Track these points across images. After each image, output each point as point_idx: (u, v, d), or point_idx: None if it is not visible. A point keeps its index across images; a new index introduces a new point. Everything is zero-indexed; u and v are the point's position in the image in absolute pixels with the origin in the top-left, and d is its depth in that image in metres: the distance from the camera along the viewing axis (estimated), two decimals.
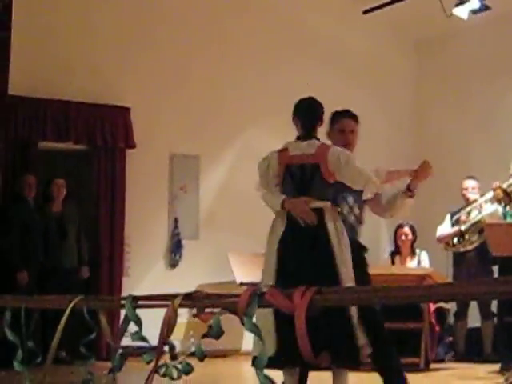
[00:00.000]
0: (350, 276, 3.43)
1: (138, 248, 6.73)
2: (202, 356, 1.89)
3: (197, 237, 7.03)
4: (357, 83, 7.47)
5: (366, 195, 3.67)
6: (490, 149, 7.27)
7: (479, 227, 5.91)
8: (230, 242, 6.82)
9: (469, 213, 6.10)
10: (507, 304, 5.23)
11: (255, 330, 1.80)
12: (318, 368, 3.25)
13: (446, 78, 8.19)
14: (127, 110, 6.65)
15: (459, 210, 6.27)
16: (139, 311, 2.31)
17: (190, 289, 6.70)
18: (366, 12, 7.14)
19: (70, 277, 6.18)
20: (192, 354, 2.06)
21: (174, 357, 3.11)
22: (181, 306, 1.98)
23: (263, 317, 3.07)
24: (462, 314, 6.27)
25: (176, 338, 5.59)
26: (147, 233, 6.81)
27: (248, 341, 6.55)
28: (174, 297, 1.94)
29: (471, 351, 6.20)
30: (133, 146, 6.65)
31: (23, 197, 6.06)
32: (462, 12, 6.58)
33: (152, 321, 2.50)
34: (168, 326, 1.94)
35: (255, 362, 1.88)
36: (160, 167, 6.91)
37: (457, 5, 6.47)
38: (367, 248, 3.75)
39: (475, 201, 6.16)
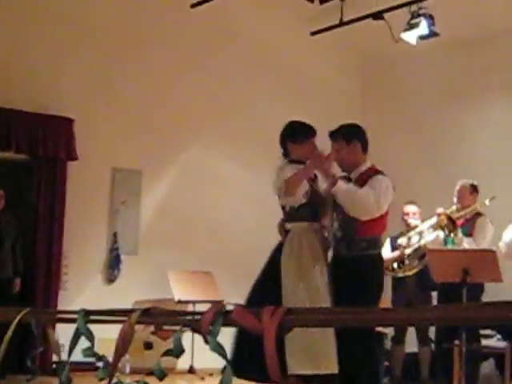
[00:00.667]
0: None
1: (76, 261, 6.63)
2: (161, 375, 1.87)
3: (136, 252, 7.01)
4: (302, 104, 7.53)
5: None
6: (433, 174, 7.46)
7: (420, 253, 6.02)
8: (168, 258, 6.85)
9: (409, 238, 6.20)
10: (445, 330, 5.37)
11: (220, 349, 1.74)
12: None
13: (392, 102, 8.36)
14: (71, 121, 6.59)
15: (399, 235, 6.40)
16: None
17: (127, 305, 6.55)
18: (313, 33, 7.29)
19: (4, 288, 6.06)
20: (150, 373, 2.01)
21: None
22: (139, 322, 1.95)
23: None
24: (399, 338, 6.33)
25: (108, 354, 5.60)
26: (86, 246, 6.74)
27: (184, 359, 6.53)
28: (130, 312, 1.92)
29: (408, 376, 6.25)
30: (75, 158, 6.58)
31: None
32: (410, 37, 6.66)
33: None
34: (124, 342, 1.94)
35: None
36: (101, 180, 6.87)
37: (405, 30, 6.57)
38: None
39: (416, 226, 6.30)
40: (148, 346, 6.48)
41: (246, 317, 1.70)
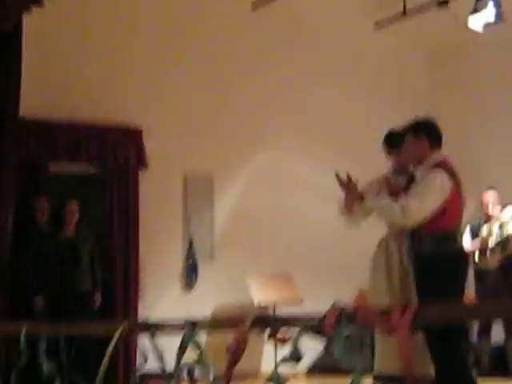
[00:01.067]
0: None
1: (153, 271, 6.73)
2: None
3: (212, 258, 7.06)
4: (374, 100, 7.63)
5: None
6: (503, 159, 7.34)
7: (503, 243, 6.01)
8: (245, 263, 6.91)
9: (490, 228, 6.17)
10: None
11: (344, 351, 1.67)
12: None
13: (460, 88, 8.34)
14: (139, 132, 6.73)
15: (478, 225, 6.30)
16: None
17: (207, 312, 6.50)
18: (377, 24, 7.19)
19: (84, 301, 6.22)
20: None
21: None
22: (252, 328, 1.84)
23: None
24: (485, 331, 6.30)
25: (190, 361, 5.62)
26: (162, 255, 6.83)
27: (268, 361, 6.54)
28: (240, 320, 1.86)
29: (495, 368, 6.27)
30: (145, 167, 6.71)
31: (36, 220, 6.12)
32: (477, 24, 6.52)
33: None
34: (238, 350, 1.82)
35: None
36: (173, 188, 6.98)
37: (472, 13, 6.43)
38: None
39: (496, 216, 6.21)
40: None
41: (373, 317, 1.67)
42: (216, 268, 7.02)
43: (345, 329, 1.67)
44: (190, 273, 6.94)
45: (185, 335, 2.12)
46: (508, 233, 6.08)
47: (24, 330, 2.60)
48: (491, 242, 6.18)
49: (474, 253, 6.28)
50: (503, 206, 6.23)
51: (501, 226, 6.15)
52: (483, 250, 6.22)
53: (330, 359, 5.64)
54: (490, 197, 6.32)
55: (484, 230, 6.23)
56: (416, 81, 8.35)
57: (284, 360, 1.83)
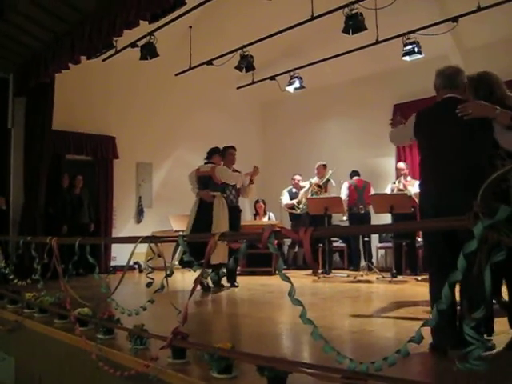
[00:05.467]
0: (224, 225, 7.40)
1: (120, 213, 11.95)
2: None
3: (151, 206, 12.38)
4: (230, 129, 12.48)
5: (238, 186, 8.44)
6: (311, 160, 11.64)
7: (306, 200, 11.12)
8: (168, 208, 11.82)
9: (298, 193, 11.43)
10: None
11: (277, 250, 2.46)
12: None
13: (281, 126, 13.44)
14: (114, 138, 11.88)
15: (294, 192, 11.65)
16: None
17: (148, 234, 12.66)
18: (238, 88, 12.46)
19: (84, 229, 10.75)
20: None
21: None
22: (220, 239, 2.86)
23: None
24: None
25: (140, 259, 10.96)
26: (125, 205, 12.02)
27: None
28: (213, 235, 2.83)
29: None
30: (117, 158, 11.95)
31: (61, 185, 10.96)
32: (290, 89, 11.58)
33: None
34: (210, 251, 2.81)
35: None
36: (131, 169, 12.16)
37: (288, 85, 11.59)
38: (241, 210, 8.77)
39: (302, 187, 11.41)
40: None
41: (291, 233, 2.35)
42: (153, 211, 12.17)
43: (272, 239, 2.33)
44: (139, 214, 12.17)
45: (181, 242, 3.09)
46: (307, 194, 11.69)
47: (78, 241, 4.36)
48: (300, 199, 11.87)
49: (291, 205, 12.07)
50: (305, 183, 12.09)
51: (303, 191, 11.81)
52: (298, 203, 11.93)
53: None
54: (298, 177, 12.27)
55: (299, 194, 12.05)
56: (256, 116, 13.91)
57: (237, 254, 2.72)
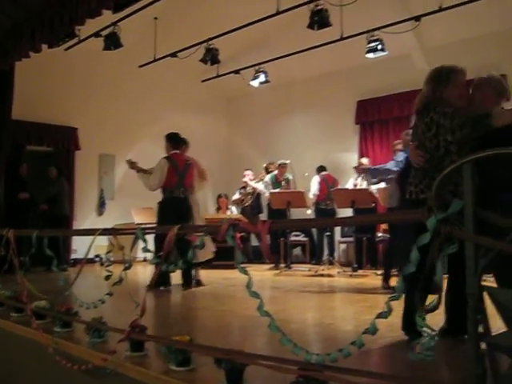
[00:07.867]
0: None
1: (82, 205, 11.95)
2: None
3: (113, 198, 12.36)
4: (195, 122, 12.59)
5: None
6: (276, 154, 12.44)
7: (252, 195, 11.63)
8: (129, 200, 11.80)
9: (245, 188, 11.89)
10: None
11: (235, 243, 2.43)
12: None
13: (246, 121, 13.58)
14: (76, 129, 11.81)
15: (243, 187, 11.94)
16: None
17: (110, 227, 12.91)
18: (203, 81, 12.71)
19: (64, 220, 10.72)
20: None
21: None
22: (179, 232, 2.85)
23: None
24: None
25: (101, 252, 10.93)
26: (87, 197, 12.01)
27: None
28: (172, 227, 2.82)
29: None
30: (79, 149, 11.91)
31: (19, 174, 10.69)
32: (255, 83, 11.77)
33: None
34: (169, 243, 2.83)
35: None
36: (93, 161, 12.10)
37: (252, 79, 11.85)
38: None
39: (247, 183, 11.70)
40: None
41: (249, 226, 2.36)
42: (115, 204, 12.19)
43: (231, 232, 2.36)
44: (101, 206, 12.16)
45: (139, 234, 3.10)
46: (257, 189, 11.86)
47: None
48: (248, 195, 12.06)
49: (239, 200, 12.21)
50: (252, 180, 12.19)
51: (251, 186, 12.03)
52: (244, 198, 12.08)
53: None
54: (248, 172, 12.34)
55: (246, 189, 12.17)
56: (221, 110, 13.98)
57: (195, 247, 2.78)
